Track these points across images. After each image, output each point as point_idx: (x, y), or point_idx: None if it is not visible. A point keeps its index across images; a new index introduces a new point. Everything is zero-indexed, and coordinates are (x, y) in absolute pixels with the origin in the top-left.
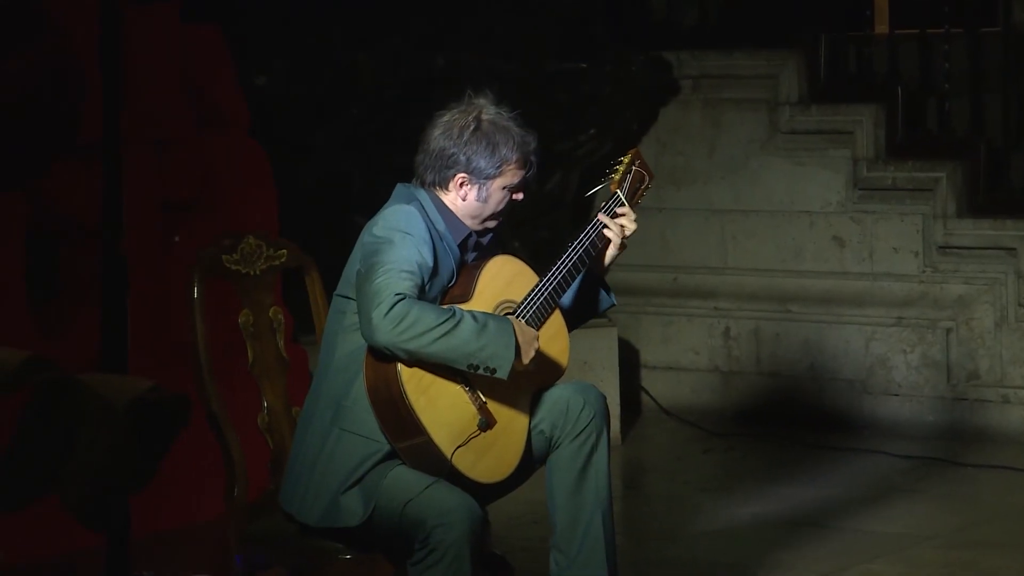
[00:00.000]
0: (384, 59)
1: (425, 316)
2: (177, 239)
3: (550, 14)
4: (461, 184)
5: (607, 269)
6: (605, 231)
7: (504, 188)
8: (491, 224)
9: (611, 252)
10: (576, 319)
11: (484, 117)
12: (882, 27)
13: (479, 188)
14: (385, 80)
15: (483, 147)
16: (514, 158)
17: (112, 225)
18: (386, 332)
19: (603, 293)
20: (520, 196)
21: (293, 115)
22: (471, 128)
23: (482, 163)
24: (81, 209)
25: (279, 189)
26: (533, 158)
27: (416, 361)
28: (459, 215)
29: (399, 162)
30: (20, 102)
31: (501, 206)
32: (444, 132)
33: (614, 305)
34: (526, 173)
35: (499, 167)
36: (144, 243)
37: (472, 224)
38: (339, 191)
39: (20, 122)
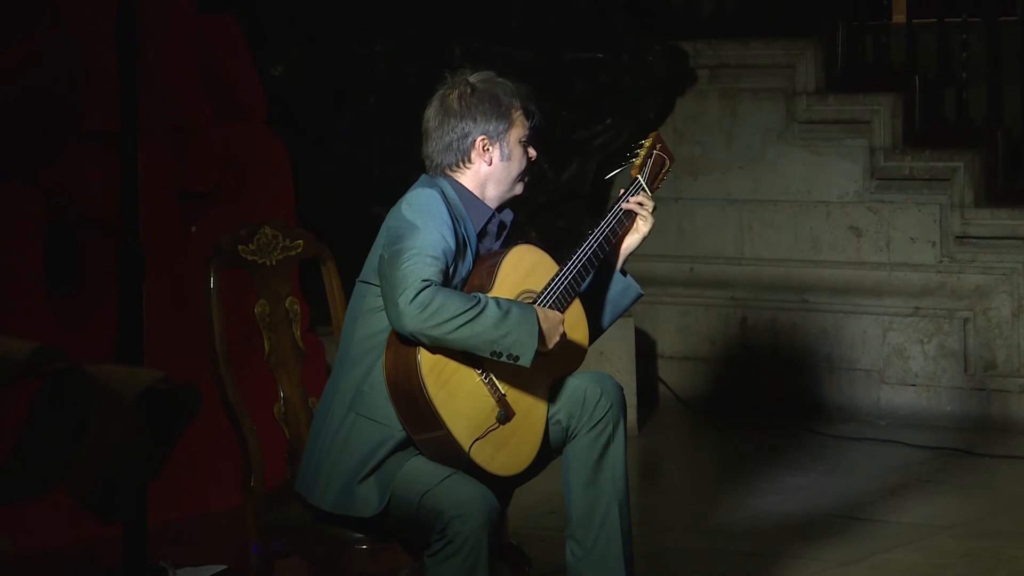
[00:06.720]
0: (401, 49)
1: (451, 303)
2: (194, 229)
3: (568, 4)
4: (484, 148)
5: (624, 259)
6: (637, 217)
7: (520, 142)
8: (519, 190)
9: (632, 241)
10: (607, 315)
11: (473, 80)
12: (900, 16)
13: (500, 146)
14: (402, 70)
15: (487, 104)
16: (517, 103)
17: (129, 215)
18: (412, 318)
19: (629, 284)
20: (534, 153)
21: (311, 105)
22: (468, 93)
23: (492, 119)
24: (97, 200)
25: (297, 179)
26: (532, 107)
27: (438, 349)
28: (486, 188)
29: (417, 152)
30: (22, 92)
31: (524, 163)
32: (443, 112)
33: (642, 295)
34: (531, 122)
35: (508, 115)
36: (161, 233)
37: (500, 193)
38: (357, 181)
39: (22, 111)
